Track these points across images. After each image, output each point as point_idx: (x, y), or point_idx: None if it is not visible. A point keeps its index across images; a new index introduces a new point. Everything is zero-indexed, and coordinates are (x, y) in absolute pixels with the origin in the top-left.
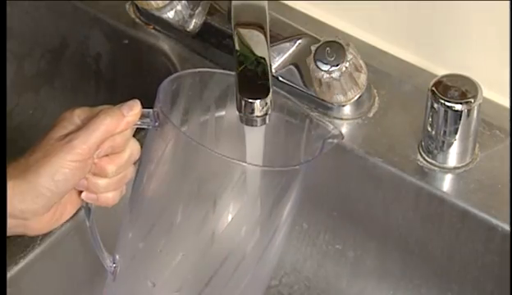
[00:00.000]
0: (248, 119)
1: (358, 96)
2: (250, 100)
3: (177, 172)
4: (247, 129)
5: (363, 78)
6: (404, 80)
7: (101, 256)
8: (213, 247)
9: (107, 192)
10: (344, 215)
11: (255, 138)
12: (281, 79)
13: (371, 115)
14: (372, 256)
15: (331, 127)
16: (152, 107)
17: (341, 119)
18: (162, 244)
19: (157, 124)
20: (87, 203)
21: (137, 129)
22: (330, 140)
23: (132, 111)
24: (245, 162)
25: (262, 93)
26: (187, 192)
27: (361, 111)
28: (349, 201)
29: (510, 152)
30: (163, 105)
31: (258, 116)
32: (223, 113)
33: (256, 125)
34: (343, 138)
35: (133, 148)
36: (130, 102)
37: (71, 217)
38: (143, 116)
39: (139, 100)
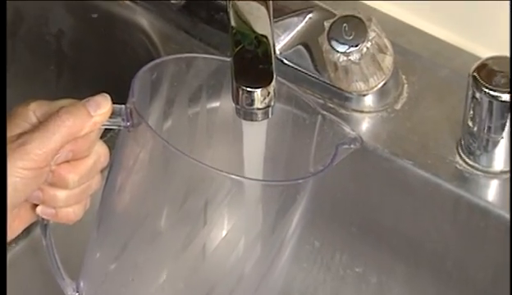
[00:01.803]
0: (246, 112)
1: (382, 83)
2: (249, 89)
3: (156, 180)
4: (245, 124)
5: (388, 61)
6: (438, 64)
7: (61, 283)
8: (203, 266)
9: (68, 206)
10: (365, 231)
11: (255, 135)
12: (286, 62)
13: (398, 106)
14: (399, 282)
15: (348, 129)
16: (125, 102)
17: (362, 111)
18: (138, 265)
19: (129, 123)
20: (43, 218)
21: (105, 129)
22: (345, 146)
23: (100, 110)
24: (237, 175)
25: (263, 80)
26: (170, 203)
27: (386, 101)
28: (371, 213)
29: (510, 153)
30: (138, 100)
31: (258, 109)
32: (217, 104)
33: (256, 120)
34: (362, 143)
35: (99, 153)
36: (98, 98)
37: (27, 234)
38: (113, 114)
39: (110, 92)
